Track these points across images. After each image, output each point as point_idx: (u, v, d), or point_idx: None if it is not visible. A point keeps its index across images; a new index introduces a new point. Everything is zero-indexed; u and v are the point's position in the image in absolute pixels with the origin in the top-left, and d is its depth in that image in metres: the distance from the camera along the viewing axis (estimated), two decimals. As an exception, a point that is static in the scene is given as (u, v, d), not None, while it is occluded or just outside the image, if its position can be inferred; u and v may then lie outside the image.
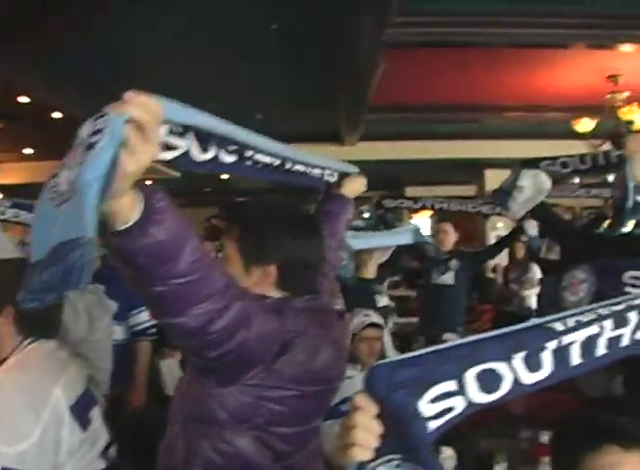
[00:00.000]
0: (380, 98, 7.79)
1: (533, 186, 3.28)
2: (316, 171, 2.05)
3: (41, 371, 2.04)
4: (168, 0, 5.18)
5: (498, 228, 11.92)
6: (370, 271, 5.54)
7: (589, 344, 1.12)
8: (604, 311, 1.18)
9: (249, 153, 1.64)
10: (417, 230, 5.32)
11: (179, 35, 5.80)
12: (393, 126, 9.97)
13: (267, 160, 1.71)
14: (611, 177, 3.53)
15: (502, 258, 8.64)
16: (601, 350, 1.14)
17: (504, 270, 8.69)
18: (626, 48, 5.99)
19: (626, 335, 1.19)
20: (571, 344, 1.09)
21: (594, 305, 1.21)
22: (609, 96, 7.16)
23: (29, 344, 2.08)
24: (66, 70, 6.89)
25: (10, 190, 12.78)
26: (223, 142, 1.57)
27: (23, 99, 7.81)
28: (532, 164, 3.35)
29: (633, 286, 2.17)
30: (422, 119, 9.37)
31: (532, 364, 1.04)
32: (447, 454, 2.68)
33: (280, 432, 1.67)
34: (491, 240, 12.29)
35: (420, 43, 5.73)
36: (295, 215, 1.86)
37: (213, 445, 1.63)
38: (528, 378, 1.04)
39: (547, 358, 1.06)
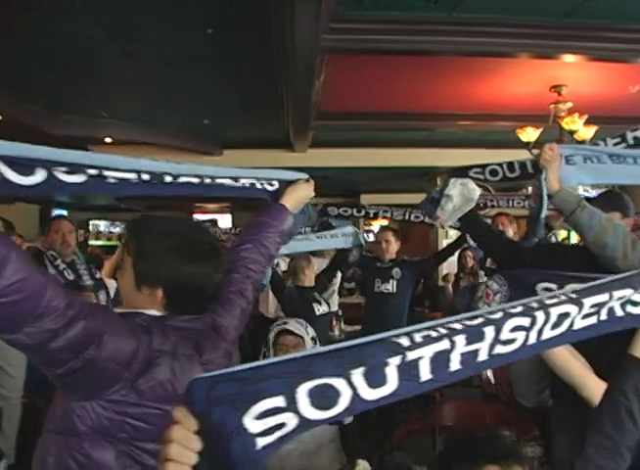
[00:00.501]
0: (327, 104, 7.79)
1: (462, 195, 3.25)
2: (248, 182, 2.10)
3: None
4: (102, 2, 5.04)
5: (451, 237, 11.99)
6: (309, 278, 5.54)
7: (440, 359, 1.08)
8: (457, 326, 1.14)
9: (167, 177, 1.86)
10: (354, 233, 5.31)
11: (114, 38, 5.71)
12: (344, 133, 9.94)
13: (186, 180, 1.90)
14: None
15: (453, 267, 8.68)
16: (455, 365, 1.11)
17: (454, 278, 8.72)
18: (570, 59, 6.02)
19: (483, 350, 1.16)
20: (418, 359, 1.06)
21: (449, 319, 1.18)
22: (552, 106, 7.21)
23: None
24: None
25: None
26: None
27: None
28: (461, 172, 3.32)
29: None
30: (372, 127, 9.35)
31: (374, 380, 1.00)
32: (362, 467, 2.64)
33: (149, 448, 1.61)
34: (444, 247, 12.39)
35: (359, 50, 5.67)
36: (194, 239, 1.80)
37: (75, 458, 1.59)
38: (370, 394, 1.00)
39: (391, 374, 1.02)
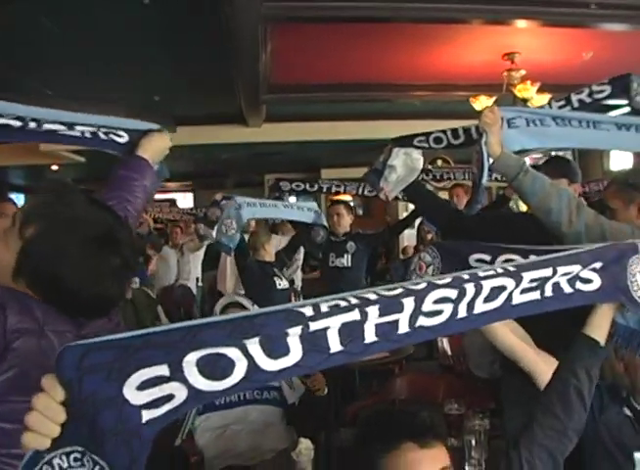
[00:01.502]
0: (278, 77, 7.66)
1: (405, 165, 3.16)
2: (88, 132, 1.90)
3: None
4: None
5: (410, 209, 11.97)
6: (269, 254, 5.51)
7: (350, 330, 1.04)
8: (371, 296, 1.09)
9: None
10: (317, 212, 5.31)
11: (50, 9, 5.51)
12: (300, 107, 9.81)
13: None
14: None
15: (412, 239, 8.66)
16: (370, 336, 1.07)
17: (413, 251, 8.71)
18: (523, 24, 5.95)
19: (403, 321, 1.11)
20: (325, 330, 1.01)
21: (366, 290, 1.13)
22: (505, 74, 7.16)
23: None
24: None
25: None
26: None
27: None
28: (405, 141, 3.22)
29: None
30: (327, 99, 9.22)
31: (273, 350, 0.96)
32: (304, 446, 2.58)
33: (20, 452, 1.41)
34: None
35: (302, 18, 5.54)
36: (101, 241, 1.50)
37: None
38: (270, 364, 0.96)
39: (294, 344, 0.98)
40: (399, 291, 1.13)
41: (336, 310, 1.03)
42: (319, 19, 5.56)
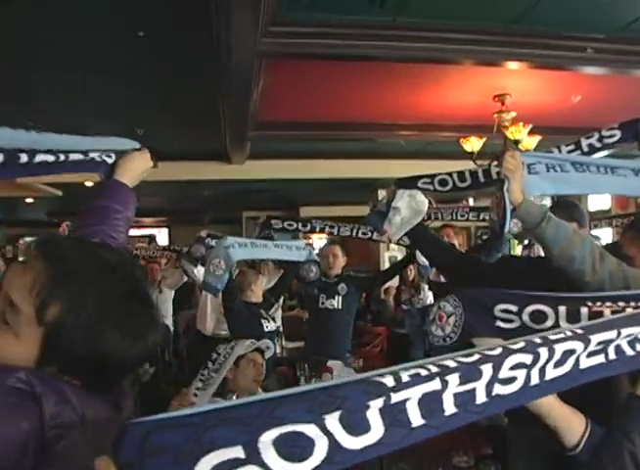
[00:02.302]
0: (264, 114, 7.57)
1: (410, 207, 3.04)
2: (77, 156, 1.70)
3: None
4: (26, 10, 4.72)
5: (393, 249, 11.90)
6: (256, 295, 5.34)
7: (430, 401, 0.94)
8: (450, 363, 1.00)
9: None
10: (307, 249, 5.20)
11: (36, 35, 5.32)
12: (282, 144, 9.76)
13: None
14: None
15: (394, 280, 8.55)
16: (449, 407, 0.97)
17: (395, 292, 8.64)
18: (514, 66, 5.93)
19: (480, 390, 1.01)
20: (405, 401, 0.91)
21: (442, 357, 1.03)
22: (496, 115, 7.13)
23: None
24: None
25: None
26: None
27: None
28: (409, 183, 3.10)
29: (504, 320, 1.94)
30: (311, 137, 9.18)
31: (354, 426, 0.85)
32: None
33: None
34: (385, 260, 12.30)
35: (299, 54, 5.45)
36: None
37: None
38: (352, 442, 0.84)
39: (374, 419, 0.87)
40: (477, 357, 1.05)
41: (417, 380, 0.94)
42: (314, 55, 5.46)
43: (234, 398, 3.34)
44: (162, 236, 16.94)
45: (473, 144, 7.61)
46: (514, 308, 1.92)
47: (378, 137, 9.30)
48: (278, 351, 6.58)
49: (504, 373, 1.06)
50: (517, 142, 7.02)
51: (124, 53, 5.72)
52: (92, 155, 1.73)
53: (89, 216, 1.72)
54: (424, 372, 0.96)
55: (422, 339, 7.04)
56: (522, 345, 1.13)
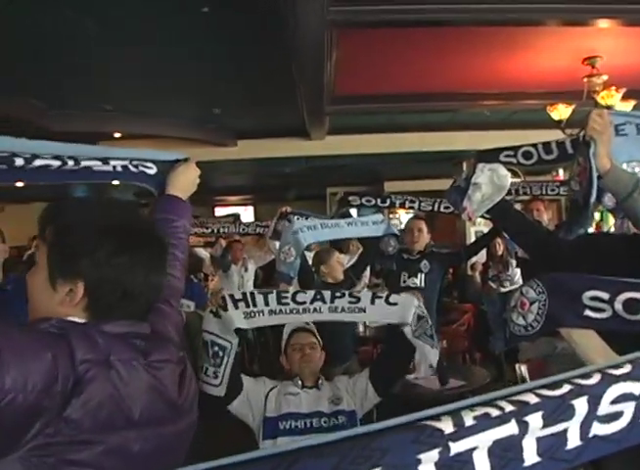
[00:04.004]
0: (342, 87, 7.42)
1: (491, 183, 2.81)
2: (120, 165, 1.79)
3: None
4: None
5: (479, 224, 11.57)
6: (332, 275, 5.19)
7: (505, 450, 0.73)
8: (529, 398, 0.77)
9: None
10: (385, 222, 5.02)
11: (107, 24, 5.42)
12: (363, 118, 9.59)
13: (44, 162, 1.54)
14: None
15: (481, 255, 8.30)
16: (530, 456, 0.75)
17: (482, 268, 8.37)
18: (604, 24, 5.55)
19: (573, 432, 0.78)
20: (471, 451, 0.71)
21: (518, 387, 0.82)
22: (586, 80, 6.74)
23: None
24: None
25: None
26: None
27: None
28: (490, 156, 2.88)
29: (593, 309, 1.71)
30: (392, 110, 8.93)
31: None
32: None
33: None
34: (471, 235, 11.98)
35: (369, 23, 5.22)
36: (126, 225, 1.44)
37: None
38: None
39: None
40: (567, 388, 0.81)
41: (486, 423, 0.73)
42: (386, 22, 5.23)
43: (299, 382, 3.22)
44: (248, 214, 17.04)
45: (561, 112, 7.26)
46: (605, 296, 1.69)
47: (461, 108, 9.02)
48: (361, 330, 6.47)
49: (605, 408, 0.83)
50: (609, 108, 6.61)
51: (190, 31, 5.70)
52: (128, 165, 1.83)
53: None
54: (495, 412, 0.75)
55: (502, 328, 6.79)
56: (627, 369, 0.88)
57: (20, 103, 7.72)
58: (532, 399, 0.78)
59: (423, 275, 5.34)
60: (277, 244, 6.54)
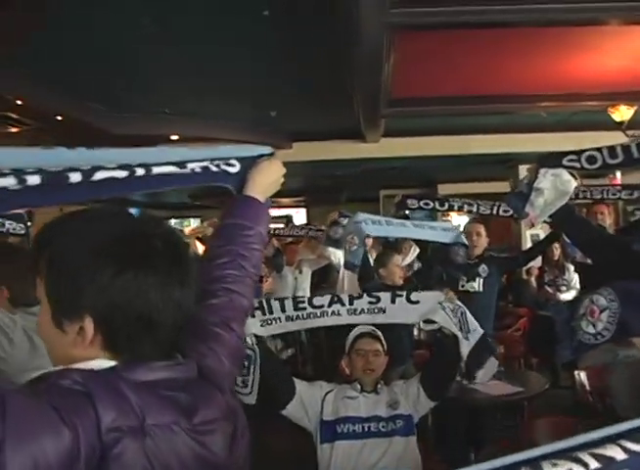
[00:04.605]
0: (397, 91, 7.37)
1: (554, 188, 2.78)
2: (198, 167, 1.49)
3: None
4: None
5: (535, 227, 11.41)
6: (391, 278, 5.19)
7: None
8: (617, 453, 0.68)
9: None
10: (456, 230, 5.03)
11: (165, 27, 5.50)
12: (418, 121, 9.51)
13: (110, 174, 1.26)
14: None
15: (535, 260, 8.21)
16: None
17: (538, 272, 8.27)
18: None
19: None
20: None
21: (594, 437, 0.73)
22: (649, 80, 6.57)
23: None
24: (47, 73, 6.71)
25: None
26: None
27: (19, 102, 7.58)
28: (553, 160, 2.84)
29: None
30: (448, 112, 8.83)
31: None
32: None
33: None
34: (527, 239, 11.81)
35: (430, 25, 5.18)
36: (133, 233, 1.18)
37: None
38: None
39: None
40: None
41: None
42: (447, 25, 5.17)
43: (358, 387, 3.26)
44: (300, 216, 17.09)
45: (622, 113, 7.14)
46: None
47: (517, 110, 8.86)
48: (415, 333, 6.45)
49: None
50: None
51: (250, 34, 5.73)
52: (209, 165, 1.54)
53: (218, 237, 1.61)
54: (609, 452, 0.68)
55: (570, 336, 6.66)
56: None
57: (79, 106, 7.88)
58: (619, 454, 0.69)
59: (481, 280, 5.32)
60: (330, 250, 6.61)
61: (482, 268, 5.32)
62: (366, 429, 3.13)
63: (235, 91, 7.65)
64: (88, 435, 0.97)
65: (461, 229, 5.53)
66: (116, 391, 1.04)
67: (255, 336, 3.02)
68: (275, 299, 3.20)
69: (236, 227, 1.58)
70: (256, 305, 3.07)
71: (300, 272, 8.07)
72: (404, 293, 3.19)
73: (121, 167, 1.32)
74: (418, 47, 6.05)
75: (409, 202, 5.58)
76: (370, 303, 3.11)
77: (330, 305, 3.12)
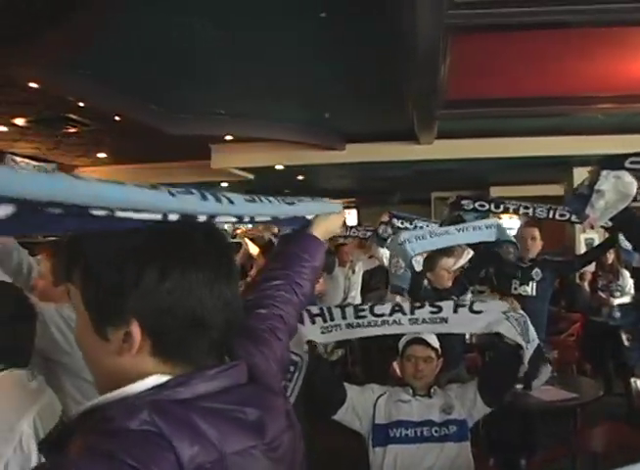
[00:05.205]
0: (452, 92, 7.32)
1: (616, 190, 2.75)
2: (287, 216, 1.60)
3: (6, 405, 1.90)
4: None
5: (588, 231, 11.24)
6: (440, 283, 5.15)
7: None
8: None
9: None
10: (499, 227, 4.94)
11: (223, 29, 5.55)
12: (472, 123, 9.43)
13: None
14: None
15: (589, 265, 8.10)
16: None
17: (591, 277, 8.13)
18: None
19: None
20: None
21: None
22: None
23: (-4, 373, 1.95)
24: (110, 73, 6.85)
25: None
26: None
27: (81, 103, 7.76)
28: (615, 162, 2.82)
29: None
30: (502, 114, 8.74)
31: None
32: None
33: None
34: (581, 243, 11.64)
35: (487, 26, 5.14)
36: (174, 229, 1.07)
37: None
38: None
39: None
40: None
41: None
42: (504, 26, 5.14)
43: (410, 391, 3.24)
44: (351, 217, 17.13)
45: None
46: None
47: (574, 112, 8.72)
48: (467, 337, 6.41)
49: None
50: None
51: (306, 36, 5.79)
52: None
53: (277, 261, 1.71)
54: None
55: (638, 339, 6.57)
56: None
57: (137, 106, 8.05)
58: None
59: (534, 283, 5.24)
60: (380, 250, 6.60)
61: (536, 272, 5.25)
62: (419, 433, 3.11)
63: (289, 92, 7.72)
64: None
65: (514, 232, 5.48)
66: (188, 423, 0.97)
67: (307, 342, 3.04)
68: (336, 306, 3.20)
69: (296, 257, 1.68)
70: (317, 311, 3.08)
71: (353, 273, 8.09)
72: (467, 303, 3.16)
73: (234, 216, 1.30)
74: (474, 48, 6.02)
75: (464, 202, 5.53)
76: (432, 312, 3.09)
77: (391, 314, 3.11)
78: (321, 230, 1.76)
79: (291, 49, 6.12)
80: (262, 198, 1.41)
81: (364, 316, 3.10)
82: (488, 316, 3.09)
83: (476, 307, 3.11)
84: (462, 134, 10.09)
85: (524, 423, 4.73)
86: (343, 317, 3.11)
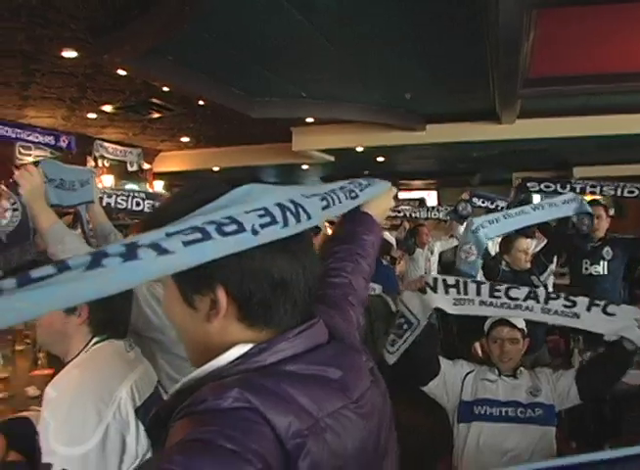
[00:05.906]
0: (536, 70, 7.24)
1: None
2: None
3: (107, 372, 2.01)
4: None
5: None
6: (517, 264, 5.12)
7: None
8: None
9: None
10: (578, 199, 4.82)
11: (310, 15, 5.65)
12: (555, 101, 9.20)
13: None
14: None
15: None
16: None
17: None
18: None
19: None
20: None
21: None
22: None
23: (97, 343, 2.07)
24: (194, 58, 7.04)
25: (170, 177, 13.52)
26: None
27: (165, 88, 8.00)
28: None
29: None
30: (587, 91, 8.51)
31: None
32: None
33: None
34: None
35: (571, 0, 5.04)
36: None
37: None
38: None
39: None
40: None
41: None
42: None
43: (496, 371, 3.25)
44: (432, 198, 17.03)
45: None
46: None
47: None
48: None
49: None
50: None
51: (392, 20, 5.80)
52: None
53: (337, 238, 1.71)
54: None
55: None
56: None
57: (220, 90, 8.23)
58: None
59: (605, 263, 5.22)
60: (460, 228, 6.58)
61: (607, 251, 5.21)
62: (503, 413, 3.12)
63: (370, 74, 7.76)
64: (272, 456, 0.91)
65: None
66: (279, 394, 0.99)
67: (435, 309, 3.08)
68: (472, 281, 3.21)
69: (355, 232, 1.69)
70: (453, 282, 3.08)
71: (432, 253, 8.11)
72: (602, 303, 3.12)
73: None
74: (559, 24, 5.93)
75: (529, 185, 5.51)
76: (565, 306, 3.06)
77: (525, 300, 3.10)
78: (375, 210, 1.76)
79: (371, 31, 6.15)
80: (334, 196, 1.42)
81: (499, 297, 3.07)
82: (620, 321, 3.06)
83: (609, 310, 3.05)
84: (545, 113, 9.84)
85: (609, 407, 4.64)
86: (478, 293, 3.11)
